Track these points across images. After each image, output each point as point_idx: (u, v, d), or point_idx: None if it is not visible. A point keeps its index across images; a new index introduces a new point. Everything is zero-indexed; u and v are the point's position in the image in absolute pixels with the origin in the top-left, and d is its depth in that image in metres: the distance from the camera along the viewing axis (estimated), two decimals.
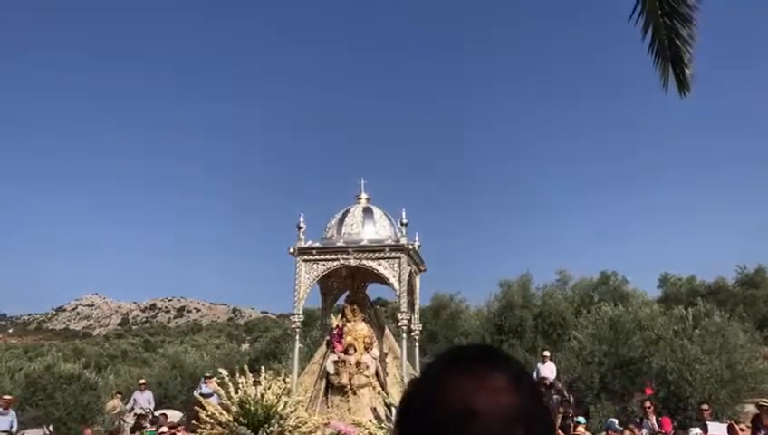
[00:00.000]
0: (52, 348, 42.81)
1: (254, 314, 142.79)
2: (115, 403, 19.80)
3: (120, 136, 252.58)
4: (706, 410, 14.94)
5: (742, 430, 13.04)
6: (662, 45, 6.37)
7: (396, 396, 11.56)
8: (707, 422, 13.79)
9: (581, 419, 14.66)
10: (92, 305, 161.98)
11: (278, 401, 10.91)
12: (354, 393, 12.45)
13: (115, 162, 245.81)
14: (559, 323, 24.50)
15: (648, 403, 15.33)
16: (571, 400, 16.83)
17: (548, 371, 17.23)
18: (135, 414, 18.65)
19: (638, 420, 15.29)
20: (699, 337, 19.79)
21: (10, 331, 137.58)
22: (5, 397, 17.27)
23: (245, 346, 45.30)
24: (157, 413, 18.50)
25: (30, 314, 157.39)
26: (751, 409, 18.12)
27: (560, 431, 14.76)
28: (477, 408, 0.87)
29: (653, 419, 14.86)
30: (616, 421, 15.34)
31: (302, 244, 13.10)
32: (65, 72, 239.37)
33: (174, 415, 18.93)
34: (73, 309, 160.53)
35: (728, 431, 12.88)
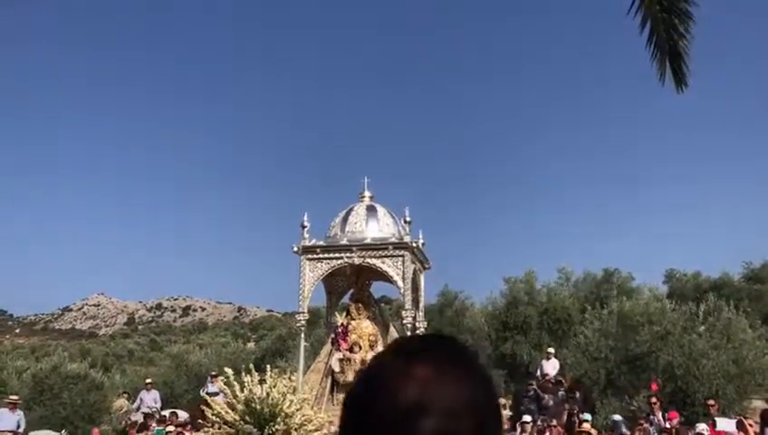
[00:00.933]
0: (59, 348, 43.03)
1: (260, 312, 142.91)
2: (122, 403, 19.87)
3: (121, 133, 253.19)
4: (713, 406, 14.89)
5: (750, 425, 13.00)
6: (660, 40, 6.36)
7: None
8: (716, 418, 13.75)
9: (587, 416, 14.63)
10: (98, 305, 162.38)
11: (284, 400, 10.93)
12: None
13: (117, 161, 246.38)
14: (564, 319, 24.47)
15: (654, 399, 15.28)
16: (577, 396, 16.80)
17: (551, 367, 17.21)
18: (142, 413, 18.72)
19: (645, 416, 15.26)
20: (706, 332, 19.74)
21: (17, 331, 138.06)
22: (12, 397, 17.34)
23: (251, 345, 45.36)
24: (166, 412, 18.57)
25: (36, 315, 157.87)
26: (758, 404, 18.08)
27: (561, 429, 14.75)
28: (425, 402, 0.82)
29: (659, 414, 14.82)
30: (620, 419, 15.30)
31: (307, 243, 13.11)
32: (75, 70, 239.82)
33: (180, 415, 18.99)
34: (79, 309, 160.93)
35: (737, 427, 12.84)
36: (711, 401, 15.20)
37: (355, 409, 0.88)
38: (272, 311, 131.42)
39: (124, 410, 19.34)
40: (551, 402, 16.08)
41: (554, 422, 14.91)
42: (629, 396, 18.80)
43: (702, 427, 13.09)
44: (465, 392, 0.85)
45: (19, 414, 16.76)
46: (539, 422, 14.71)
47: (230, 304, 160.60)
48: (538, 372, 17.51)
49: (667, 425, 14.29)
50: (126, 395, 20.65)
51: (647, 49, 6.40)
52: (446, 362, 0.87)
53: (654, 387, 16.89)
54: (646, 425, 14.07)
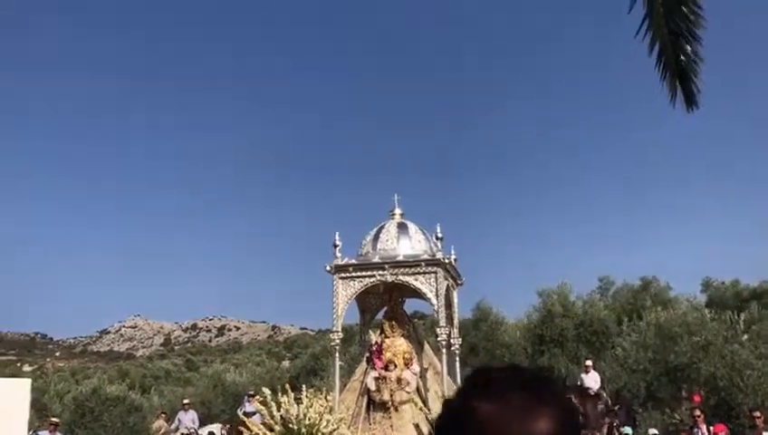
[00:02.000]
0: (98, 370, 43.57)
1: (294, 330, 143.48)
2: (160, 423, 20.04)
3: (151, 154, 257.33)
4: (759, 417, 14.49)
5: None
6: (668, 62, 6.42)
7: (437, 412, 11.45)
8: (764, 432, 13.39)
9: (628, 429, 14.36)
10: (135, 327, 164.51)
11: (320, 420, 10.91)
12: (396, 410, 12.38)
13: (150, 186, 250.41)
14: (602, 331, 24.10)
15: (697, 411, 14.93)
16: (616, 409, 16.51)
17: (591, 381, 16.93)
18: (180, 434, 18.87)
19: (688, 429, 14.92)
20: (749, 341, 19.28)
21: (57, 354, 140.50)
22: (53, 420, 17.64)
23: (286, 363, 45.48)
24: (203, 431, 18.71)
25: (75, 338, 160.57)
26: None
27: None
28: (507, 428, 0.84)
29: (703, 427, 14.47)
30: (657, 433, 14.95)
31: (339, 261, 13.12)
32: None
33: (215, 427, 19.23)
34: (117, 331, 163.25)
35: None
36: (757, 413, 14.79)
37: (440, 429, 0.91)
38: (305, 329, 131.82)
39: (162, 430, 19.51)
40: (590, 416, 15.82)
41: None
42: (671, 409, 18.42)
43: None
44: (553, 424, 0.86)
45: None
46: None
47: (264, 322, 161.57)
48: (578, 385, 17.25)
49: None
50: (164, 416, 20.85)
51: (656, 69, 6.48)
52: (534, 393, 0.88)
53: (697, 399, 16.53)
54: None
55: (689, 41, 6.37)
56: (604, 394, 16.79)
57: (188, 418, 19.71)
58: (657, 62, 6.45)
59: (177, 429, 19.81)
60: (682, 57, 6.38)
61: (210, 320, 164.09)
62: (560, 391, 0.92)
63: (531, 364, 24.60)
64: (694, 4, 6.25)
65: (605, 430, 15.44)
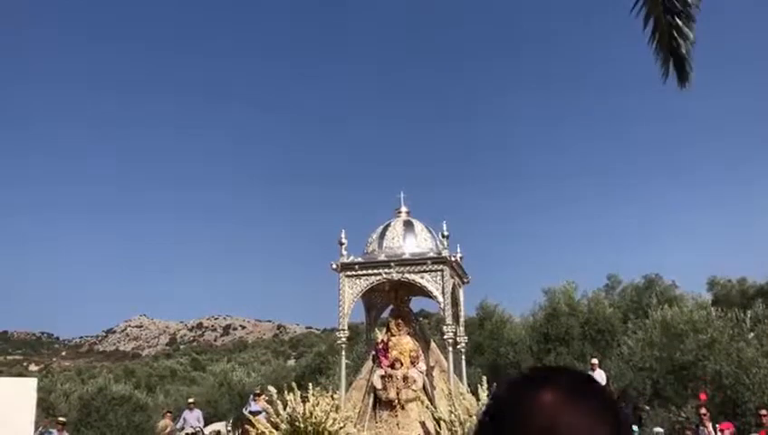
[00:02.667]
0: (104, 370, 43.68)
1: (299, 329, 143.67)
2: (166, 423, 20.07)
3: (155, 154, 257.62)
4: (765, 415, 14.43)
5: None
6: (662, 37, 6.44)
7: (444, 410, 11.45)
8: None
9: (634, 428, 14.32)
10: (141, 326, 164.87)
11: (327, 418, 10.92)
12: (402, 408, 12.38)
13: (155, 184, 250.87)
14: (607, 329, 24.06)
15: (703, 410, 14.87)
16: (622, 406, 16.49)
17: (597, 379, 16.91)
18: (186, 433, 18.89)
19: (694, 428, 14.88)
20: (756, 339, 19.21)
21: (63, 353, 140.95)
22: (60, 419, 17.70)
23: (291, 362, 45.56)
24: (208, 430, 18.75)
25: (81, 337, 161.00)
26: None
27: None
28: (561, 427, 0.84)
29: (709, 426, 14.42)
30: (662, 431, 14.89)
31: (345, 259, 13.12)
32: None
33: (221, 425, 19.29)
34: (123, 331, 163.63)
35: None
36: (763, 411, 14.72)
37: (492, 425, 0.89)
38: (311, 328, 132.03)
39: (168, 429, 19.54)
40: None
41: None
42: (677, 407, 18.37)
43: None
44: (596, 420, 0.86)
45: None
46: None
47: (269, 321, 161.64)
48: None
49: None
50: (169, 415, 20.89)
51: (649, 45, 6.52)
52: (575, 390, 0.88)
53: (702, 397, 16.47)
54: None
55: (682, 18, 6.42)
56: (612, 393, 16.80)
57: (194, 417, 19.74)
58: (651, 38, 6.51)
59: (182, 428, 19.84)
60: (675, 34, 6.43)
61: (216, 319, 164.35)
62: (605, 389, 0.93)
63: (536, 362, 24.58)
64: None
65: None
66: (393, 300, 13.98)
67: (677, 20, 6.35)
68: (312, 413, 10.85)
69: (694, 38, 6.42)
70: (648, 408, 18.82)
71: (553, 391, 0.88)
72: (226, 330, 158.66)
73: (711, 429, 14.30)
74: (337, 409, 11.41)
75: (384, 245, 13.34)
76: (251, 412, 15.01)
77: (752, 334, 19.58)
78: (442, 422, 11.27)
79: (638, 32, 6.34)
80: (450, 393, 11.65)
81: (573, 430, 0.84)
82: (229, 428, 17.27)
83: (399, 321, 13.26)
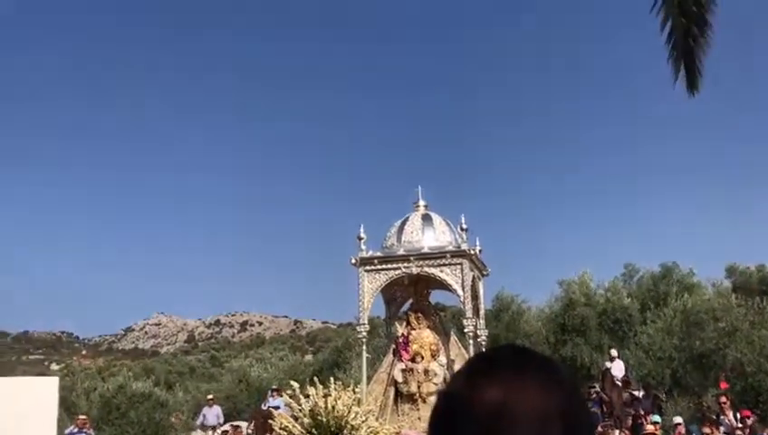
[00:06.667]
0: (124, 368, 44.07)
1: (316, 324, 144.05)
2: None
3: (173, 154, 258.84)
4: None
5: None
6: (678, 41, 6.51)
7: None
8: None
9: (657, 417, 14.30)
10: (159, 324, 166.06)
11: (349, 412, 10.99)
12: (424, 401, 12.45)
13: (173, 184, 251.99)
14: (624, 319, 23.99)
15: (723, 398, 14.83)
16: (641, 395, 16.44)
17: (617, 369, 16.89)
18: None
19: (714, 417, 14.83)
20: None
21: (83, 352, 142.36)
22: (81, 417, 17.92)
23: (309, 357, 45.79)
24: (226, 426, 18.91)
25: (101, 336, 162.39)
26: None
27: (628, 432, 14.42)
28: (512, 407, 0.83)
29: (730, 414, 14.37)
30: (681, 420, 14.83)
31: (364, 254, 13.18)
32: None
33: (242, 424, 19.36)
34: (141, 329, 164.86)
35: None
36: None
37: (442, 415, 0.89)
38: (327, 323, 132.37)
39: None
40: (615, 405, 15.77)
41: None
42: (698, 396, 18.33)
43: None
44: (551, 396, 0.85)
45: (89, 433, 17.31)
46: (599, 428, 14.41)
47: (286, 317, 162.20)
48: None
49: (740, 424, 13.86)
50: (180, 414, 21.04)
51: (666, 46, 6.57)
52: (529, 368, 0.88)
53: (723, 385, 16.42)
54: (713, 428, 13.54)
55: (698, 24, 6.46)
56: (632, 382, 16.74)
57: (213, 413, 19.95)
58: (667, 41, 6.57)
59: (202, 423, 20.07)
60: (690, 40, 6.48)
61: (233, 315, 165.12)
62: (562, 368, 0.91)
63: (553, 354, 24.55)
64: None
65: (630, 420, 15.41)
66: (413, 294, 14.04)
67: (694, 28, 6.40)
68: (333, 407, 10.93)
69: (707, 43, 6.46)
70: (664, 397, 18.76)
71: (505, 370, 0.88)
72: (244, 326, 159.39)
73: (732, 417, 14.25)
74: (359, 402, 11.49)
75: (403, 239, 13.39)
76: (270, 407, 15.19)
77: None
78: None
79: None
80: None
81: (528, 404, 0.83)
82: (250, 431, 17.36)
83: (419, 314, 13.32)
